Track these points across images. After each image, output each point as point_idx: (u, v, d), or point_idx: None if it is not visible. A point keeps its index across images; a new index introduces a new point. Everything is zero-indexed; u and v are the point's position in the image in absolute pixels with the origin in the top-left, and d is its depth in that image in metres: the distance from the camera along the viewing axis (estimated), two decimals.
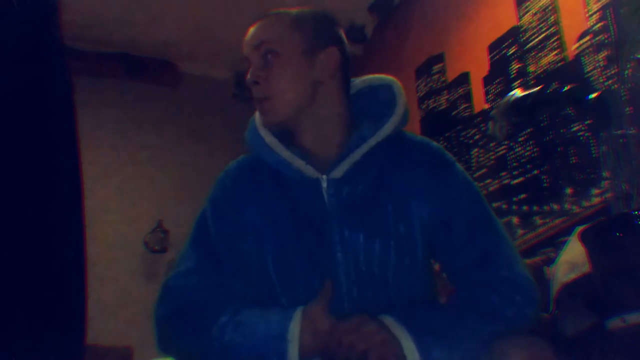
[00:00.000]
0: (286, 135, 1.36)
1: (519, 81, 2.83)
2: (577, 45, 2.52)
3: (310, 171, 1.29)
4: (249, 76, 1.32)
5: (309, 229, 1.28)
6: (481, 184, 2.96)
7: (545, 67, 2.69)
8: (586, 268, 1.73)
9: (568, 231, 2.13)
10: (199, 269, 1.29)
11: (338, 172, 1.29)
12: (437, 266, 1.39)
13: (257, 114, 1.38)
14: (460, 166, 1.37)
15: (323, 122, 1.33)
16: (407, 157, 1.33)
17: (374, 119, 1.34)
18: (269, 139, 1.33)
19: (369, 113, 1.36)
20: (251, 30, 1.36)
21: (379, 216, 1.28)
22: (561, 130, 2.54)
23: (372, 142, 1.30)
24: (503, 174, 2.84)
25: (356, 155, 1.29)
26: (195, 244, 1.34)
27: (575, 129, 2.47)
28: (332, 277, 1.22)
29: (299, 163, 1.30)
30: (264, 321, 1.18)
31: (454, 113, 3.27)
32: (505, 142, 2.83)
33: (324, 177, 1.29)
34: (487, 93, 3.05)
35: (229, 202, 1.34)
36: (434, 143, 1.38)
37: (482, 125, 3.05)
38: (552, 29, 2.68)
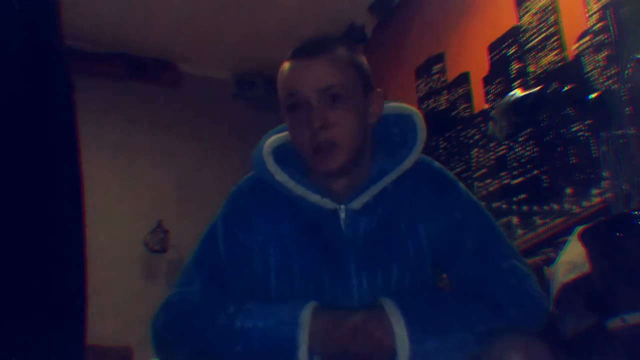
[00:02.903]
0: (297, 161, 1.33)
1: (519, 81, 2.83)
2: (577, 45, 2.52)
3: (328, 204, 1.29)
4: (314, 121, 1.22)
5: (322, 256, 1.28)
6: (481, 184, 2.96)
7: (545, 67, 2.69)
8: (586, 268, 1.73)
9: (568, 231, 2.12)
10: (203, 291, 1.27)
11: (357, 204, 1.29)
12: None
13: (265, 147, 1.33)
14: (463, 185, 1.37)
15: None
16: (411, 180, 1.32)
17: (390, 149, 1.33)
18: (280, 176, 1.30)
19: (383, 141, 1.35)
20: (308, 68, 1.26)
21: (394, 243, 1.29)
22: (561, 130, 2.54)
23: (393, 175, 1.30)
24: (503, 174, 2.84)
25: (377, 188, 1.29)
26: (201, 263, 1.32)
27: (575, 129, 2.47)
28: (346, 305, 1.23)
29: (315, 198, 1.29)
30: (275, 309, 1.19)
31: (454, 113, 3.27)
32: (505, 142, 2.83)
33: (342, 207, 1.29)
34: (487, 93, 3.05)
35: (241, 223, 1.32)
36: (436, 163, 1.38)
37: (482, 125, 3.04)
38: (552, 29, 2.68)
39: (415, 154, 1.31)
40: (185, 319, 1.23)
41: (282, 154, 1.34)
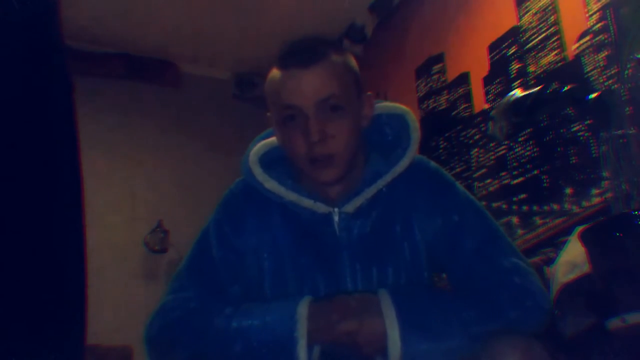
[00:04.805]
0: (286, 166, 1.32)
1: (519, 81, 2.83)
2: (577, 45, 2.52)
3: (321, 208, 1.28)
4: (312, 135, 1.19)
5: (316, 260, 1.27)
6: (481, 184, 2.96)
7: (545, 67, 2.69)
8: (586, 268, 1.73)
9: (568, 231, 2.12)
10: (199, 297, 1.26)
11: (350, 207, 1.27)
12: None
13: (250, 157, 1.32)
14: (460, 185, 1.36)
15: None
16: (407, 181, 1.31)
17: (384, 150, 1.32)
18: (269, 184, 1.29)
19: (376, 142, 1.34)
20: (305, 79, 1.20)
21: (389, 246, 1.28)
22: (561, 130, 2.54)
23: (387, 177, 1.28)
24: (503, 174, 2.84)
25: (371, 191, 1.28)
26: (195, 269, 1.31)
27: (575, 129, 2.47)
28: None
29: (307, 203, 1.27)
30: (271, 306, 1.18)
31: (454, 113, 3.27)
32: (505, 142, 2.83)
33: (336, 210, 1.28)
34: (487, 93, 3.05)
35: (234, 227, 1.31)
36: (432, 163, 1.37)
37: (482, 125, 3.04)
38: (552, 29, 2.68)
39: (410, 156, 1.29)
40: (183, 324, 1.21)
41: (269, 159, 1.33)
